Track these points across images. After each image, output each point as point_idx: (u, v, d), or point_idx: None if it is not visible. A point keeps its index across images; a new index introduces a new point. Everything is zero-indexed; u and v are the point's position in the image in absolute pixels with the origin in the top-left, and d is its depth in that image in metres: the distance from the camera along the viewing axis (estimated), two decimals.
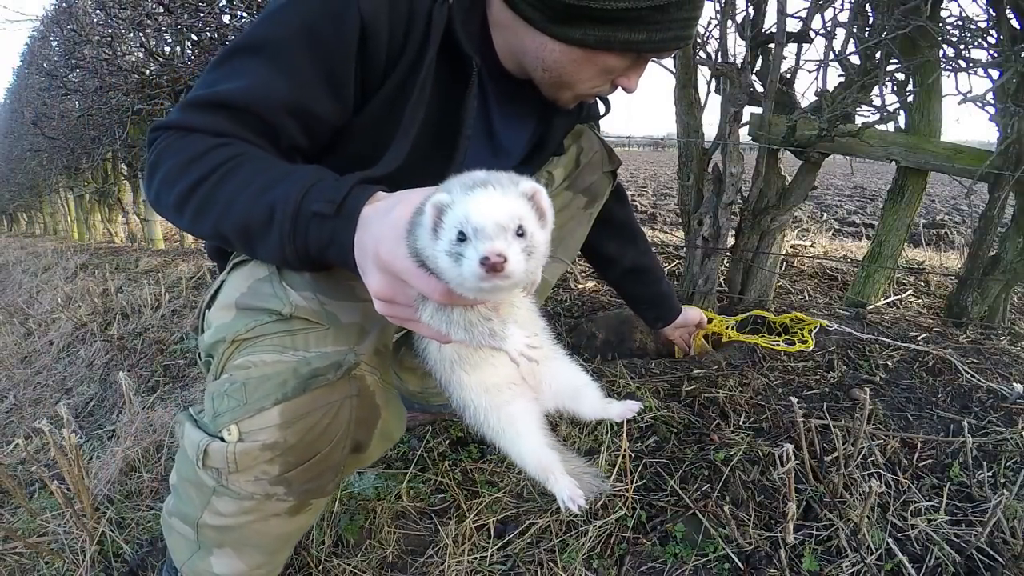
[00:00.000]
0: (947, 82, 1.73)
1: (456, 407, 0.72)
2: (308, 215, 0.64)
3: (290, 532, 0.84)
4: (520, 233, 0.53)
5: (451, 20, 0.78)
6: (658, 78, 2.33)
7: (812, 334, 1.57)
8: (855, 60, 1.69)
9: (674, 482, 1.14)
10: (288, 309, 0.71)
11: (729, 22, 1.75)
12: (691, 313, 1.50)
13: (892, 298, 2.00)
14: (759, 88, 1.80)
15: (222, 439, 0.70)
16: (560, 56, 0.78)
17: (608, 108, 1.14)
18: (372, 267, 0.60)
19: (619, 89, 0.88)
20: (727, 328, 1.59)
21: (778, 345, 1.54)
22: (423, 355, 0.74)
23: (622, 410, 0.76)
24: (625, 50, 0.77)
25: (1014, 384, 1.33)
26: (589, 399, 0.75)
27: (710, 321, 1.59)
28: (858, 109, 1.68)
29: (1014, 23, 1.49)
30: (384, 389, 0.79)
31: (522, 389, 0.72)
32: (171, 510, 0.85)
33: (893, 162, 1.74)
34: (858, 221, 7.04)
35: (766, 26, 1.76)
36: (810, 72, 2.53)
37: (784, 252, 2.14)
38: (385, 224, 0.59)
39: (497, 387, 0.71)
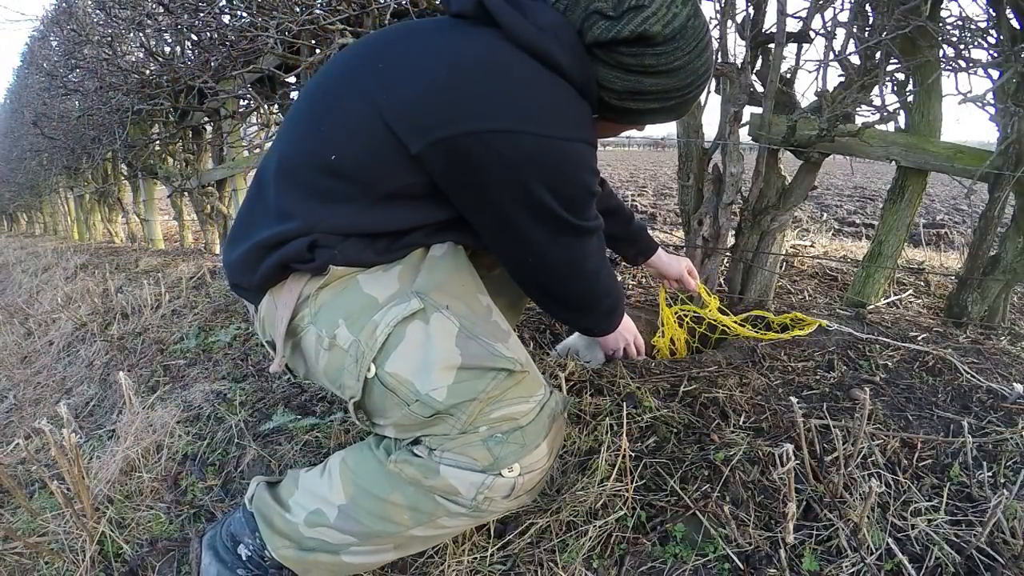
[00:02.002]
0: (947, 82, 1.73)
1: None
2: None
3: None
4: None
5: None
6: None
7: (809, 334, 1.58)
8: (855, 60, 1.69)
9: (674, 482, 1.14)
10: (518, 367, 0.87)
11: (729, 22, 1.75)
12: (678, 262, 1.57)
13: (892, 298, 2.00)
14: (759, 88, 1.80)
15: (501, 475, 0.86)
16: (596, 126, 0.98)
17: None
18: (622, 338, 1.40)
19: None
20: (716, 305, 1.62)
21: (739, 323, 1.58)
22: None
23: None
24: (645, 124, 1.02)
25: (1014, 384, 1.33)
26: None
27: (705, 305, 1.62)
28: (858, 109, 1.68)
29: (1014, 23, 1.49)
30: None
31: None
32: (319, 522, 0.91)
33: (893, 162, 1.74)
34: (858, 221, 7.05)
35: (766, 26, 1.76)
36: (810, 72, 2.54)
37: (784, 252, 2.14)
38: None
39: None
